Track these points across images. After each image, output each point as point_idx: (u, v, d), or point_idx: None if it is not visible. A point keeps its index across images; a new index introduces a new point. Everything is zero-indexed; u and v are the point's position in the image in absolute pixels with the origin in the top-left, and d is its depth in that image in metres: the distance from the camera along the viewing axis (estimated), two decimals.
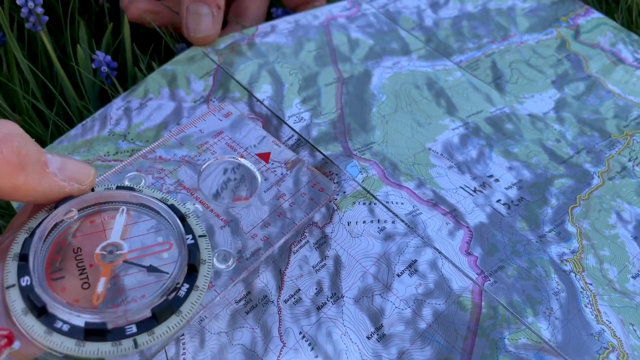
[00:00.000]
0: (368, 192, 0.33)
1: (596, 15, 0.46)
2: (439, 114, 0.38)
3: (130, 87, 0.39)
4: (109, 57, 0.40)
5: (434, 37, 0.43)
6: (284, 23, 0.42)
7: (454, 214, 0.32)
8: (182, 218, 0.26)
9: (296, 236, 0.31)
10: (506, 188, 0.34)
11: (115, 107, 0.37)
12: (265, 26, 0.42)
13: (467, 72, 0.41)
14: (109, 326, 0.22)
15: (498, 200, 0.33)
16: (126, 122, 0.36)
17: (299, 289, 0.29)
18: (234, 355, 0.27)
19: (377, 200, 0.32)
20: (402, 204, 0.32)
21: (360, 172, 0.34)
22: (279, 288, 0.29)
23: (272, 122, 0.36)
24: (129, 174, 0.29)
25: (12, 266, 0.23)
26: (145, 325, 0.23)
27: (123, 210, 0.26)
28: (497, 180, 0.34)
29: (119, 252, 0.25)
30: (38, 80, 0.45)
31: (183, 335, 0.28)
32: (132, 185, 0.27)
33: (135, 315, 0.23)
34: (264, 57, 0.40)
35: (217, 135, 0.33)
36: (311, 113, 0.37)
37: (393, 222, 0.31)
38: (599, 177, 0.35)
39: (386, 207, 0.32)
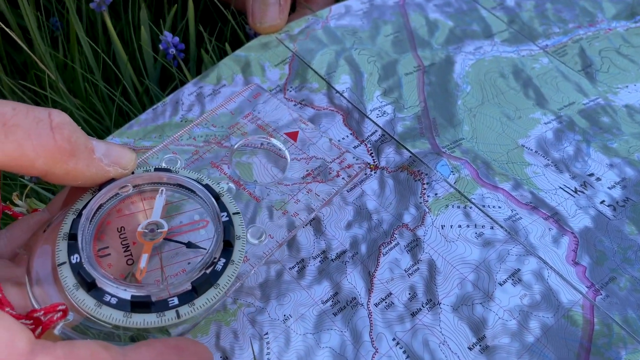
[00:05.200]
0: (462, 195, 0.31)
1: None
2: (529, 107, 0.35)
3: (202, 72, 0.37)
4: (177, 39, 0.38)
5: (517, 19, 0.40)
6: (357, 3, 0.40)
7: (556, 218, 0.30)
8: (217, 197, 0.27)
9: (385, 237, 0.29)
10: (609, 188, 0.31)
11: (187, 92, 0.35)
12: (338, 7, 0.39)
13: (555, 59, 0.38)
14: (153, 299, 0.24)
15: (602, 202, 0.31)
16: (199, 108, 0.35)
17: (391, 293, 0.28)
18: (322, 358, 0.26)
19: (473, 204, 0.30)
20: (499, 207, 0.30)
21: (452, 172, 0.32)
22: (369, 291, 0.28)
23: (354, 115, 0.34)
24: (165, 157, 0.30)
25: (62, 245, 0.25)
26: (186, 298, 0.24)
27: (162, 190, 0.27)
28: (598, 179, 0.32)
29: (159, 230, 0.26)
30: (99, 64, 0.43)
31: (267, 334, 0.27)
32: (168, 167, 0.29)
33: (176, 289, 0.24)
34: (340, 42, 0.37)
35: (247, 116, 0.33)
36: (394, 106, 0.35)
37: (492, 227, 0.30)
38: None
39: (484, 212, 0.30)
